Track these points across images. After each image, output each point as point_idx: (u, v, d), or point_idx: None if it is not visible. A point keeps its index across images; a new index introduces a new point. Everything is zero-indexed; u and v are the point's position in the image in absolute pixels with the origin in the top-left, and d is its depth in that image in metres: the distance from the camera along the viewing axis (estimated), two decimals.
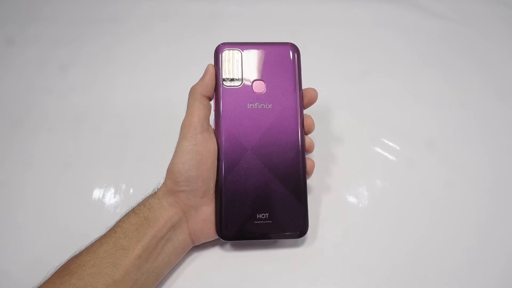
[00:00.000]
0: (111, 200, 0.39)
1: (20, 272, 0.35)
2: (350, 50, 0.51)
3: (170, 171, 0.31)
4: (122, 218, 0.31)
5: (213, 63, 0.34)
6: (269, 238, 0.33)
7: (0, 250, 0.37)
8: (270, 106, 0.33)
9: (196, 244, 0.34)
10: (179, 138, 0.32)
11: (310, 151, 0.35)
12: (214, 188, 0.33)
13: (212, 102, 0.34)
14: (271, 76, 0.34)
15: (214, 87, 0.33)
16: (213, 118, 0.34)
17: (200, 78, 0.33)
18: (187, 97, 0.33)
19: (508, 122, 0.45)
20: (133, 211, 0.31)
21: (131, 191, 0.40)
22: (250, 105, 0.33)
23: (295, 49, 0.35)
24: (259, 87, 0.34)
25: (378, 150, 0.43)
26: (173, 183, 0.31)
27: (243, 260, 0.35)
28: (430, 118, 0.45)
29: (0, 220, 0.38)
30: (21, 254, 0.36)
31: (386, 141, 0.43)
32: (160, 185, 0.33)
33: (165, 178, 0.32)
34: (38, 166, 0.41)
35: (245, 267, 0.35)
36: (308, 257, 0.35)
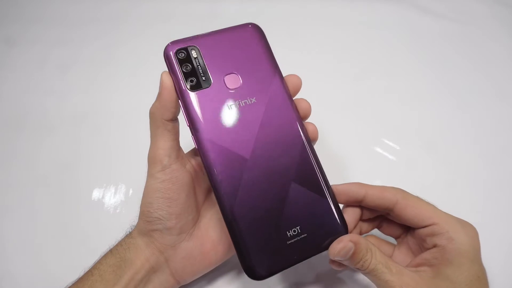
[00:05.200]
0: (111, 200, 0.39)
1: (20, 272, 0.35)
2: (349, 50, 0.51)
3: (141, 210, 0.29)
4: (100, 259, 0.29)
5: (167, 70, 0.27)
6: (312, 255, 0.26)
7: (0, 250, 0.37)
8: (253, 99, 0.27)
9: (183, 284, 0.30)
10: (147, 174, 0.28)
11: (315, 138, 0.29)
12: (193, 222, 0.29)
13: (182, 115, 0.28)
14: (242, 65, 0.28)
15: (178, 98, 0.27)
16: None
17: (157, 96, 0.27)
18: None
19: (507, 122, 0.45)
20: (110, 251, 0.29)
21: (131, 191, 0.40)
22: (229, 105, 0.27)
23: (258, 29, 0.29)
24: (234, 81, 0.27)
25: (378, 150, 0.43)
26: (144, 222, 0.28)
27: None
28: (430, 118, 0.45)
29: (0, 219, 0.38)
30: (21, 254, 0.36)
31: (386, 141, 0.43)
32: (135, 223, 0.30)
33: (138, 218, 0.29)
34: (38, 167, 0.41)
35: None
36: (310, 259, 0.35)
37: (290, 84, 0.29)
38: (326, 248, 0.26)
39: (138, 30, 0.52)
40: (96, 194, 0.39)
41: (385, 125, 0.44)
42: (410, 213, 0.27)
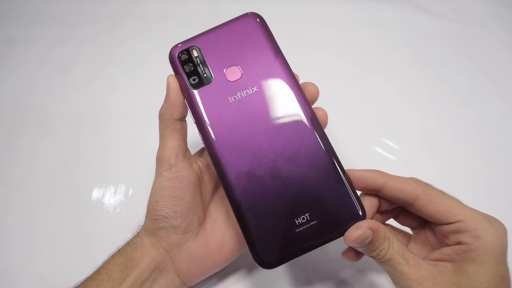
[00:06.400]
0: (111, 200, 0.39)
1: (19, 272, 0.35)
2: (350, 50, 0.51)
3: (147, 209, 0.29)
4: (108, 258, 0.29)
5: (173, 73, 0.29)
6: (323, 243, 0.26)
7: (0, 250, 0.37)
8: (255, 88, 0.27)
9: (190, 285, 0.31)
10: (155, 173, 0.29)
11: (325, 124, 0.28)
12: (199, 222, 0.29)
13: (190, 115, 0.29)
14: (242, 56, 0.28)
15: (184, 99, 0.28)
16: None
17: (164, 98, 0.29)
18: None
19: (508, 122, 0.45)
20: (118, 251, 0.29)
21: (131, 191, 0.40)
22: (232, 97, 0.27)
23: (257, 16, 0.29)
24: (234, 74, 0.28)
25: (378, 150, 0.43)
26: (150, 221, 0.29)
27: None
28: (430, 118, 0.45)
29: (0, 220, 0.38)
30: (20, 254, 0.36)
31: (386, 141, 0.43)
32: (143, 222, 0.31)
33: (145, 217, 0.30)
34: (38, 166, 0.41)
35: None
36: (312, 258, 0.35)
37: (308, 93, 0.28)
38: (342, 234, 0.25)
39: (138, 29, 0.52)
40: (96, 194, 0.39)
41: (385, 125, 0.44)
42: (433, 209, 0.25)
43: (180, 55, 0.28)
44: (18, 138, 0.43)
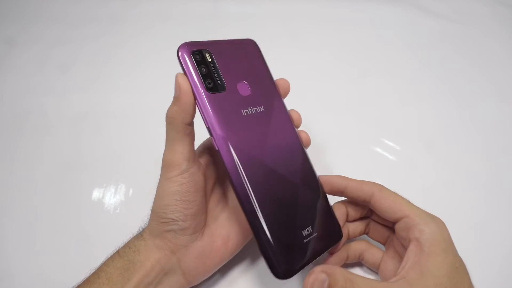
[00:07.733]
0: (111, 200, 0.39)
1: (19, 272, 0.35)
2: (350, 50, 0.51)
3: (154, 212, 0.28)
4: (106, 260, 0.28)
5: (181, 71, 0.27)
6: (320, 254, 0.28)
7: (0, 250, 0.37)
8: (262, 108, 0.29)
9: (194, 284, 0.30)
10: (160, 177, 0.28)
11: (308, 144, 0.31)
12: (204, 222, 0.29)
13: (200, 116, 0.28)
14: (249, 75, 0.29)
15: (195, 100, 0.26)
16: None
17: (173, 99, 0.26)
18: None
19: (508, 122, 0.45)
20: (117, 253, 0.28)
21: (131, 191, 0.40)
22: (244, 111, 0.28)
23: (256, 44, 0.31)
24: (244, 89, 0.28)
25: (378, 150, 0.43)
26: (158, 224, 0.28)
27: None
28: (430, 118, 0.45)
29: (0, 220, 0.38)
30: (20, 255, 0.36)
31: (386, 141, 0.43)
32: (145, 224, 0.30)
33: (149, 219, 0.29)
34: (38, 166, 0.41)
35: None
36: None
37: (281, 87, 0.31)
38: (329, 248, 0.29)
39: (138, 29, 0.52)
40: (96, 194, 0.39)
41: (386, 125, 0.44)
42: (384, 204, 0.28)
43: (193, 54, 0.27)
44: (18, 138, 0.43)
